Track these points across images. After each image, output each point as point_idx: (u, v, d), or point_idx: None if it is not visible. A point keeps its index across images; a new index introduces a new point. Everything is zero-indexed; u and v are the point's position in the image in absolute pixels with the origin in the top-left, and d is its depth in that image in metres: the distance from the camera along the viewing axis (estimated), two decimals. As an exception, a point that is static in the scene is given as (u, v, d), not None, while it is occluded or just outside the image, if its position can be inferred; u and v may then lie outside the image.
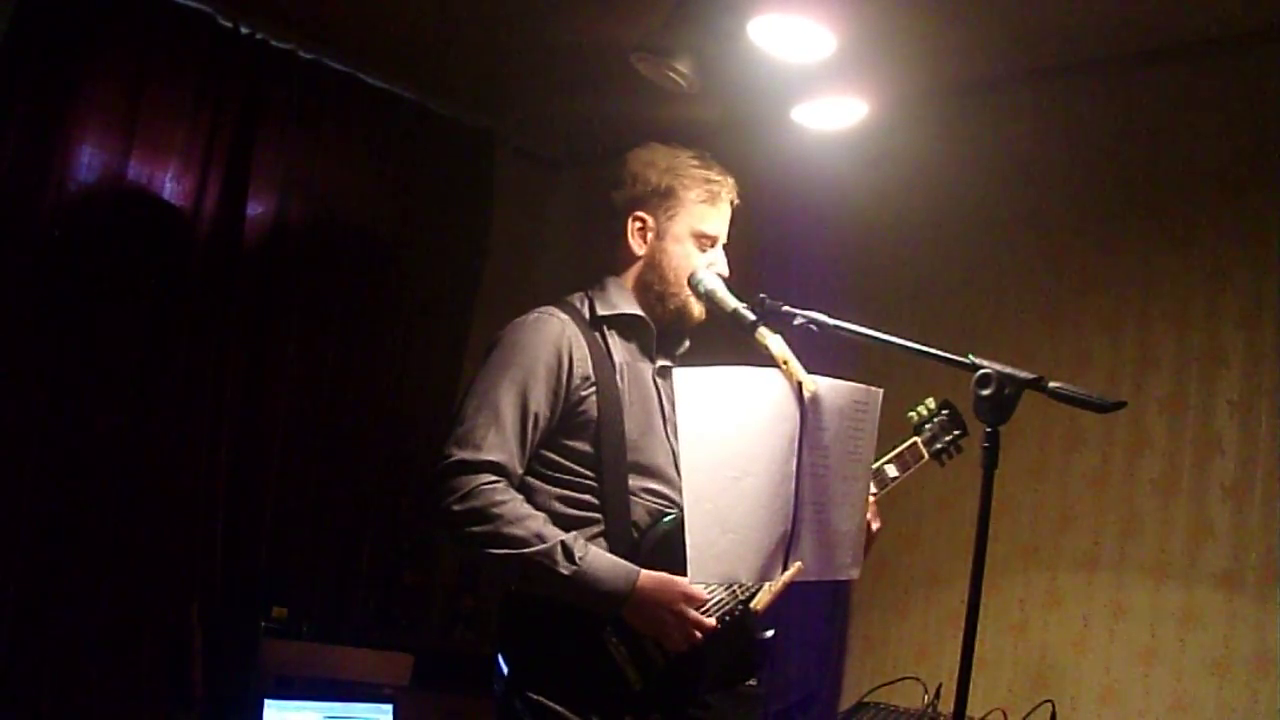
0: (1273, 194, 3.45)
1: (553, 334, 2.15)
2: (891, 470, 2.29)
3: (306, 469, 4.56)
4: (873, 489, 2.18)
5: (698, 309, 2.26)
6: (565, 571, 1.99)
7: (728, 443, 1.90)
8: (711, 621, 2.04)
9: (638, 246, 2.28)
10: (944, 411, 2.37)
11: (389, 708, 3.83)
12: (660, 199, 2.26)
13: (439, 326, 5.01)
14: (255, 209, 4.47)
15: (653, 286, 2.26)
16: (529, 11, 4.14)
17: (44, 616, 3.82)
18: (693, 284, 2.23)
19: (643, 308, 2.27)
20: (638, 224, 2.28)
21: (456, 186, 5.06)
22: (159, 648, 4.03)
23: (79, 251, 3.97)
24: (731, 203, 2.31)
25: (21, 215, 3.86)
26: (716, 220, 2.29)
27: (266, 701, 3.62)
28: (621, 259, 2.30)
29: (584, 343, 2.17)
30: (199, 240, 4.26)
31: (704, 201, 2.27)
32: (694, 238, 2.26)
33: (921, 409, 2.37)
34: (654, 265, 2.27)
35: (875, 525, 2.18)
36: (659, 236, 2.26)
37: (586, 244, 4.81)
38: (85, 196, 4.03)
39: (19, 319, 3.85)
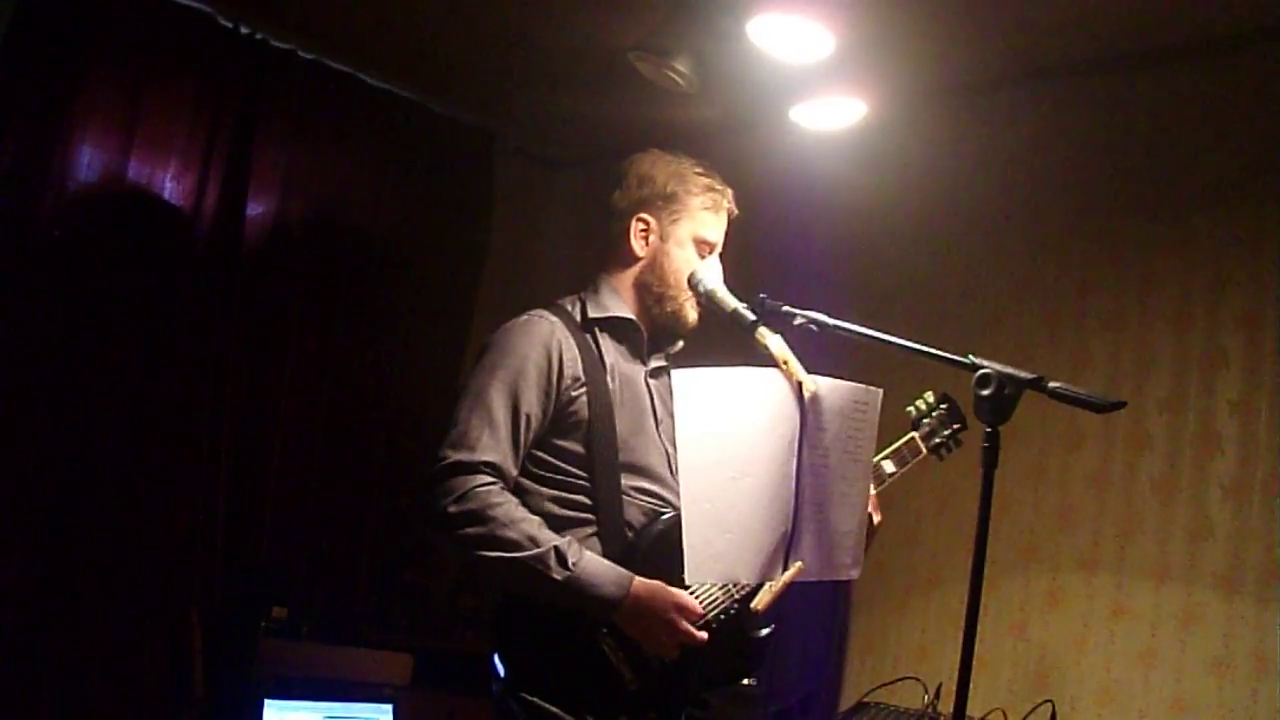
0: (1273, 195, 3.45)
1: (542, 335, 2.16)
2: (889, 466, 2.28)
3: (307, 469, 4.56)
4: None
5: (693, 314, 2.28)
6: (558, 577, 1.99)
7: (725, 443, 1.90)
8: (702, 635, 2.04)
9: (639, 248, 2.29)
10: (942, 405, 2.36)
11: (389, 708, 3.83)
12: (665, 202, 2.28)
13: (439, 326, 5.01)
14: (255, 209, 4.47)
15: (652, 288, 2.28)
16: (529, 12, 4.13)
17: (44, 616, 3.82)
18: (693, 284, 2.24)
19: (638, 309, 2.29)
20: (641, 225, 2.29)
21: (456, 186, 5.06)
22: (159, 648, 4.03)
23: (79, 251, 3.97)
24: (730, 214, 2.34)
25: (21, 215, 3.86)
26: (716, 228, 2.32)
27: (266, 701, 3.62)
28: (621, 260, 2.31)
29: (574, 344, 2.18)
30: (199, 240, 4.26)
31: (707, 208, 2.30)
32: (695, 243, 2.29)
33: (920, 403, 2.36)
34: (654, 267, 2.28)
35: (877, 519, 2.17)
36: (662, 239, 2.28)
37: (586, 244, 4.81)
38: (85, 196, 4.02)
39: (19, 319, 3.85)
